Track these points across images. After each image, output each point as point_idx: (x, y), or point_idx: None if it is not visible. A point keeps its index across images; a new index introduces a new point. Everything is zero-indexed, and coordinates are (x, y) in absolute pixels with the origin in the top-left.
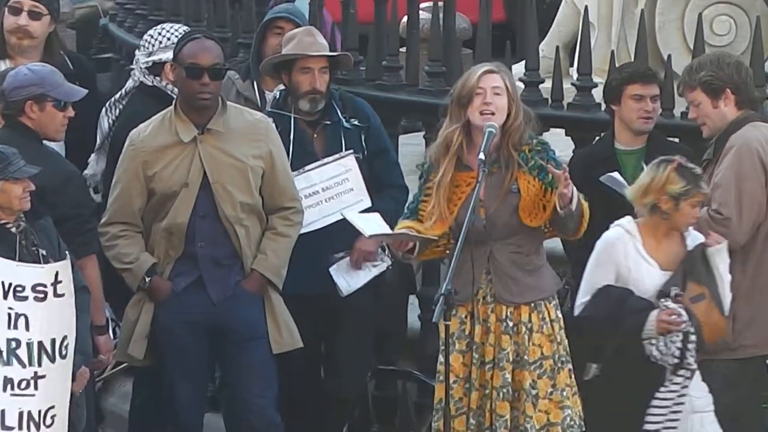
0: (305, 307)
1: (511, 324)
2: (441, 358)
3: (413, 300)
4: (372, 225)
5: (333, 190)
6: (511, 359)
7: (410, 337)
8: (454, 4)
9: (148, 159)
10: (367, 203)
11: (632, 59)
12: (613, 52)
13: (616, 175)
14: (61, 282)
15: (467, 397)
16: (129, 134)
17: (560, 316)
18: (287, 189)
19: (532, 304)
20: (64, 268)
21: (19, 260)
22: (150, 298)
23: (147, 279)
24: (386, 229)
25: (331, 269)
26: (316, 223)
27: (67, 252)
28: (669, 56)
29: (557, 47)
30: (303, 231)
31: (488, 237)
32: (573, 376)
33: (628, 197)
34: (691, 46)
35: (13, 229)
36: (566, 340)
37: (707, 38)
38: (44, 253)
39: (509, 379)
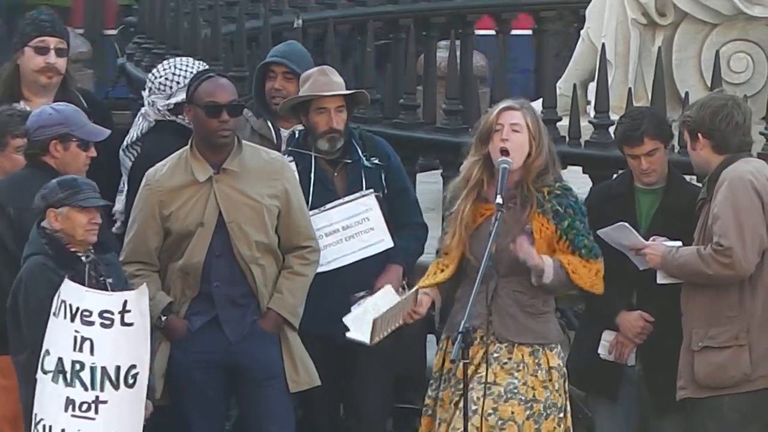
0: (324, 346)
1: (496, 355)
2: (429, 392)
3: (431, 338)
4: (363, 330)
5: (353, 229)
6: (484, 381)
7: (428, 375)
8: (471, 42)
9: (164, 198)
10: (389, 243)
11: (649, 97)
12: (630, 89)
13: (625, 225)
14: (129, 311)
15: None
16: (145, 173)
17: (561, 365)
18: (303, 228)
19: (530, 349)
20: (134, 298)
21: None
22: (166, 337)
23: (163, 318)
24: (374, 323)
25: (352, 308)
26: (336, 262)
27: (144, 286)
28: (686, 93)
29: (574, 85)
30: (323, 270)
31: (494, 273)
32: (564, 424)
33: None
34: (709, 84)
35: (83, 258)
36: (567, 393)
37: (724, 75)
38: (111, 281)
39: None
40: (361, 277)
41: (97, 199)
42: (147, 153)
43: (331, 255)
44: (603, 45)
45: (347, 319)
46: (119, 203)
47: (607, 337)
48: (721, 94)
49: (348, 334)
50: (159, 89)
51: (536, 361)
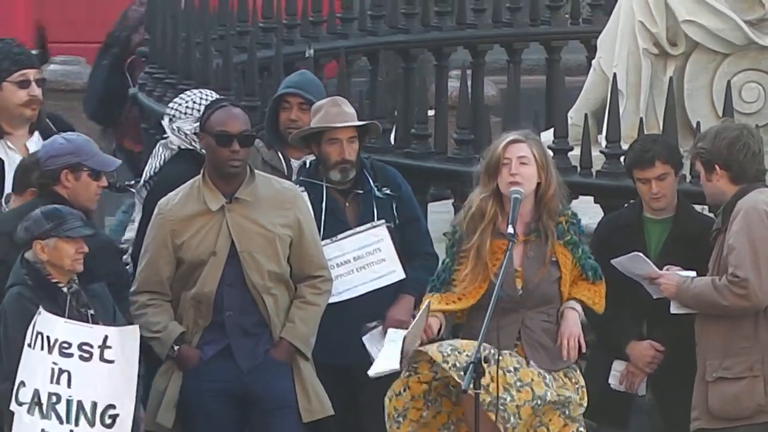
0: (337, 376)
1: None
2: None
3: None
4: (392, 357)
5: (364, 259)
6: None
7: None
8: (482, 72)
9: (176, 228)
10: (400, 275)
11: (661, 126)
12: (641, 119)
13: (639, 255)
14: (110, 348)
15: None
16: (158, 202)
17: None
18: (315, 257)
19: (563, 372)
20: (116, 335)
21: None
22: (178, 366)
23: (175, 347)
24: (400, 343)
25: (364, 339)
26: (347, 293)
27: (136, 326)
28: (698, 123)
29: (586, 115)
30: (335, 300)
31: (522, 306)
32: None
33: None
34: (720, 114)
35: (65, 289)
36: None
37: (736, 105)
38: (92, 313)
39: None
40: (373, 307)
41: (83, 228)
42: (164, 182)
43: (342, 286)
44: (614, 75)
45: (373, 369)
46: (130, 232)
47: (618, 367)
48: (732, 124)
49: (374, 371)
50: (185, 113)
51: (573, 381)
